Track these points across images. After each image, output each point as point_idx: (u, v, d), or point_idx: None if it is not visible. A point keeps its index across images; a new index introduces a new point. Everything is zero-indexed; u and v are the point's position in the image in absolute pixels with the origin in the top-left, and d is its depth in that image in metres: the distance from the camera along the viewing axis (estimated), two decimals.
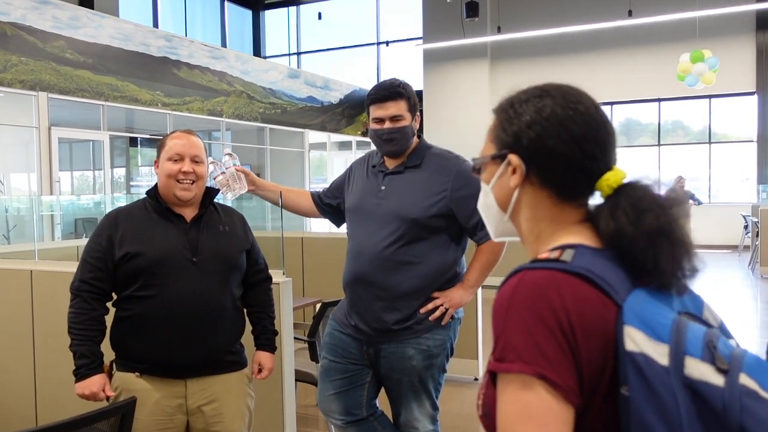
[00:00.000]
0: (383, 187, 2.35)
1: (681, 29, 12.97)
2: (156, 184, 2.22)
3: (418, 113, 2.37)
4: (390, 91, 2.30)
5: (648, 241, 0.88)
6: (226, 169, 2.52)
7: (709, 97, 13.62)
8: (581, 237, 0.94)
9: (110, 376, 2.15)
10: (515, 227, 1.03)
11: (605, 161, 0.96)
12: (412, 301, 2.27)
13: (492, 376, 0.87)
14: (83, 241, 3.43)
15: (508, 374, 0.83)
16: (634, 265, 0.89)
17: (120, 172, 12.60)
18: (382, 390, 2.43)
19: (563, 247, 0.91)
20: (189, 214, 2.20)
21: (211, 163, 2.40)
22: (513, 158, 0.98)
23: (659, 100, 14.21)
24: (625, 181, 0.94)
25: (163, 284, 2.08)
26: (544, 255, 0.92)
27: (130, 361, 2.13)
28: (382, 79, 2.45)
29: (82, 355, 2.07)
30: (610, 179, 0.94)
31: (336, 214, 2.61)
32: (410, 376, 2.29)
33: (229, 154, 2.55)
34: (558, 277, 0.86)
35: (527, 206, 1.00)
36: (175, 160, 2.15)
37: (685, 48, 11.59)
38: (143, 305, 2.09)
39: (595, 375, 0.83)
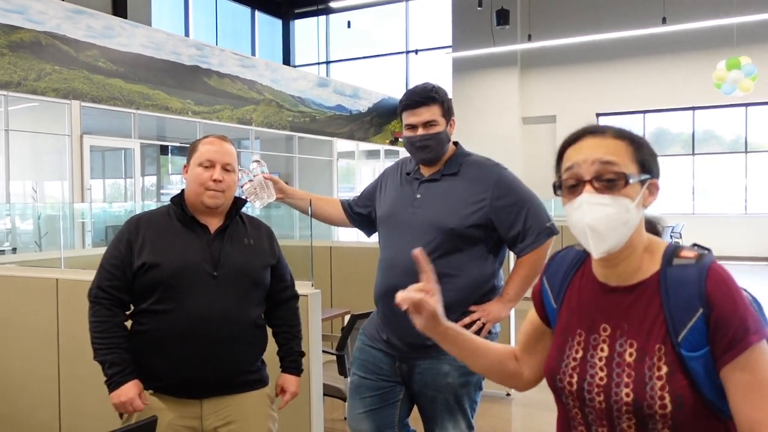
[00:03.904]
0: (419, 196, 2.24)
1: (717, 36, 12.68)
2: (182, 191, 2.13)
3: (453, 118, 2.27)
4: (422, 96, 2.19)
5: None
6: (254, 176, 2.44)
7: (746, 105, 13.28)
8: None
9: None
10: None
11: None
12: (449, 315, 2.11)
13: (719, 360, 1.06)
14: None
15: (761, 343, 1.04)
16: None
17: (151, 180, 12.69)
18: (415, 409, 2.32)
19: (684, 248, 1.15)
20: (214, 224, 2.10)
21: (239, 170, 2.31)
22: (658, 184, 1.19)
23: (693, 108, 13.88)
24: None
25: (180, 299, 1.97)
26: (691, 254, 1.12)
27: (144, 378, 2.02)
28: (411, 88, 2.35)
29: (112, 363, 1.95)
30: None
31: (367, 224, 2.51)
32: (445, 393, 2.18)
33: (257, 161, 2.48)
34: None
35: (642, 225, 1.18)
36: (206, 167, 2.05)
37: (722, 55, 11.30)
38: (159, 320, 1.98)
39: None
